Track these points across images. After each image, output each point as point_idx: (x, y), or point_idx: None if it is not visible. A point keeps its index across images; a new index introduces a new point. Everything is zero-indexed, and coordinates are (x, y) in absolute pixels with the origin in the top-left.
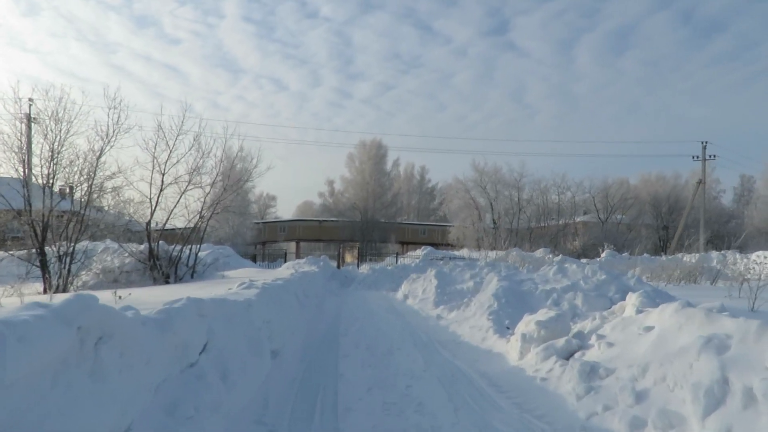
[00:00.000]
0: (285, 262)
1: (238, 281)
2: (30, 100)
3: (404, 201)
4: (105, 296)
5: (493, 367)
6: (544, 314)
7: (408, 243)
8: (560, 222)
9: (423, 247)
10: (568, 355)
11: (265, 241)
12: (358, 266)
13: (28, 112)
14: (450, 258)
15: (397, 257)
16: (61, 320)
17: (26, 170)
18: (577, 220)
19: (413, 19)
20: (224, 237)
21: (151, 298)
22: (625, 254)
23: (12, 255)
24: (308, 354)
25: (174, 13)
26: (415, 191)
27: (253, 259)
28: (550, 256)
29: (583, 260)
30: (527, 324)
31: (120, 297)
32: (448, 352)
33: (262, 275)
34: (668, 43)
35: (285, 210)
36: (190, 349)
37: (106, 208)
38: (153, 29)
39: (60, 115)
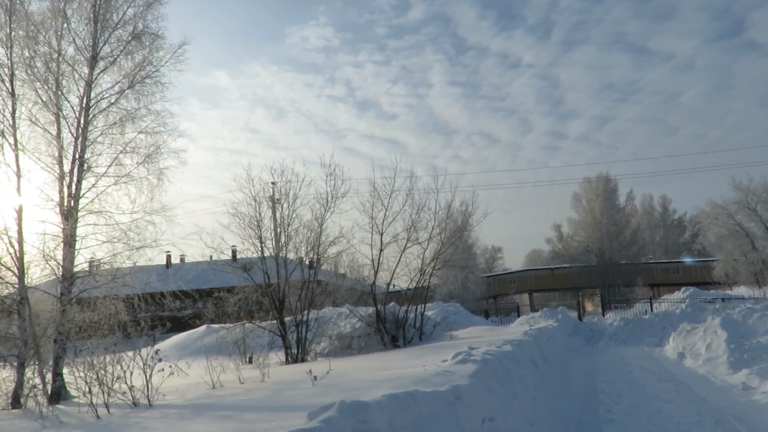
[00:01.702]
0: (518, 316)
1: (466, 343)
2: (273, 183)
3: (646, 237)
4: (300, 374)
5: None
6: None
7: (659, 285)
8: None
9: (683, 289)
10: None
11: (496, 294)
12: (603, 316)
13: (271, 194)
14: (723, 299)
15: (651, 303)
16: None
17: (262, 246)
18: None
19: (623, 43)
20: (452, 294)
21: (360, 373)
22: None
23: (257, 325)
24: None
25: (389, 92)
26: (658, 225)
27: (485, 314)
28: None
29: None
30: None
31: (315, 378)
32: None
33: (491, 334)
34: None
35: (513, 261)
36: None
37: (344, 274)
38: (373, 110)
39: (286, 189)
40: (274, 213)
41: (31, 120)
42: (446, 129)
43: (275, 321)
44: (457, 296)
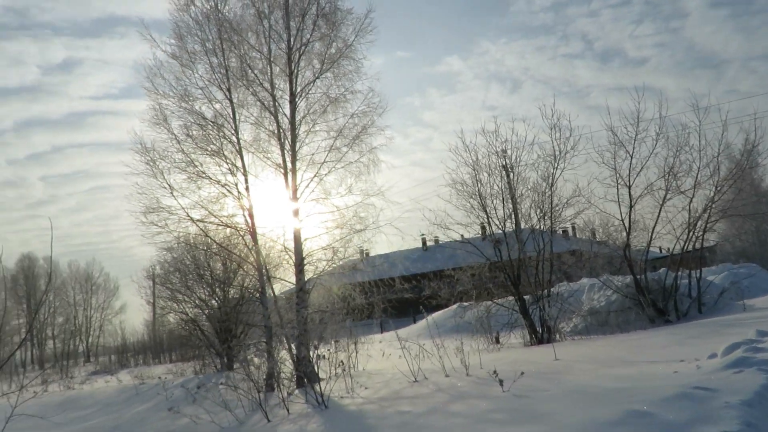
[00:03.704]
0: None
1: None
2: (503, 152)
3: None
4: (523, 362)
5: None
6: None
7: None
8: None
9: None
10: None
11: None
12: None
13: (503, 163)
14: None
15: None
16: None
17: (488, 218)
18: None
19: None
20: (744, 252)
21: (585, 369)
22: None
23: (495, 302)
24: None
25: (633, 35)
26: None
27: None
28: None
29: None
30: None
31: (502, 382)
32: None
33: None
34: None
35: None
36: None
37: (601, 241)
38: (617, 59)
39: (510, 152)
40: (509, 177)
41: (256, 124)
42: (714, 61)
43: (513, 298)
44: (753, 255)
